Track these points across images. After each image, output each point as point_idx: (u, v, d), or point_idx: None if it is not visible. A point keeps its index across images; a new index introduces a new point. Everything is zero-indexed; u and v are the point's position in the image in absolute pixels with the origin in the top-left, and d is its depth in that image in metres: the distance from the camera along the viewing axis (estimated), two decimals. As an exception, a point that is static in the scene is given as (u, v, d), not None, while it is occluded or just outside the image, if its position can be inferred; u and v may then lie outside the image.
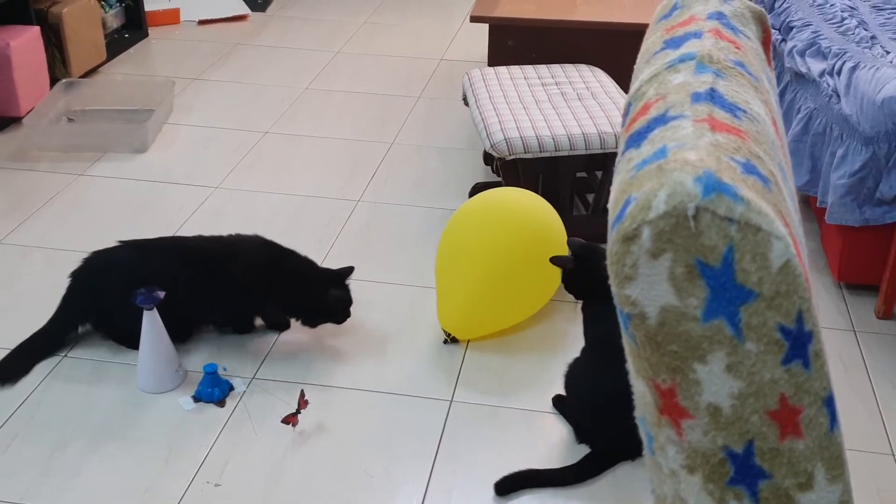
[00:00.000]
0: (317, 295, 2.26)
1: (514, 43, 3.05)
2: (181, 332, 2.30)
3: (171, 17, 4.65)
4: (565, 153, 2.53)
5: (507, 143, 2.49)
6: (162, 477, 1.93)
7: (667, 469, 0.72)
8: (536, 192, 2.74)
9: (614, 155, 2.61)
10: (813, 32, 2.68)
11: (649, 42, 0.88)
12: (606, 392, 1.83)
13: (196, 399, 2.15)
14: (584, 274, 2.00)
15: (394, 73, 4.16)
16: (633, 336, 0.67)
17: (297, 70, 4.17)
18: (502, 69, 2.96)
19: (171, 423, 2.08)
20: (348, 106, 3.81)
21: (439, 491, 1.91)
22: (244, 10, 4.81)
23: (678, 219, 0.62)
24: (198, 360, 2.28)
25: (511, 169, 2.58)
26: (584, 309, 2.06)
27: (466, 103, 2.91)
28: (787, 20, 2.89)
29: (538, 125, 2.56)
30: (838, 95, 2.41)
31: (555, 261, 2.05)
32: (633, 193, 0.65)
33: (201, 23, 4.68)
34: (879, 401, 2.16)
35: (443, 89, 3.97)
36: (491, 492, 1.90)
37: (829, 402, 0.67)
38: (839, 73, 2.44)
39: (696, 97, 0.72)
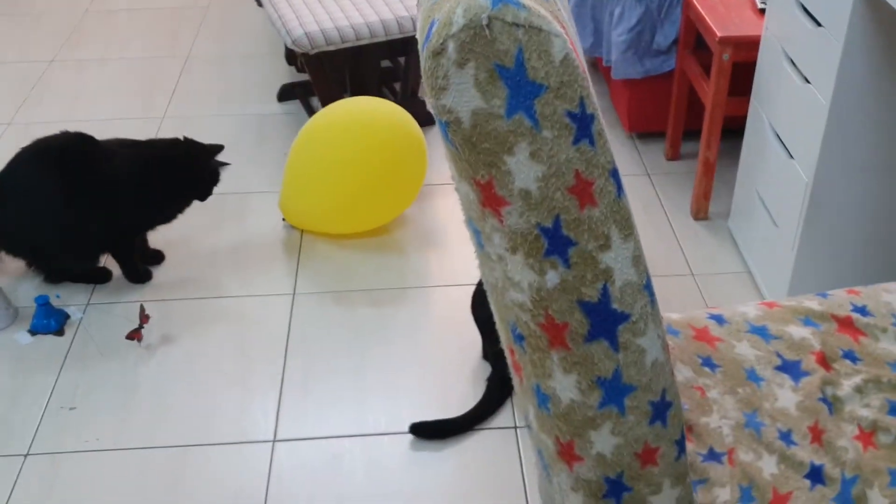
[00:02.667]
0: (203, 166, 2.22)
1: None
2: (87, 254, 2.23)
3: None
4: (366, 41, 2.59)
5: (307, 37, 2.52)
6: (14, 410, 1.91)
7: (494, 256, 0.85)
8: (344, 85, 2.80)
9: (414, 40, 2.70)
10: None
11: None
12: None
13: (32, 332, 2.12)
14: None
15: (178, -14, 4.02)
16: (452, 142, 0.78)
17: (73, -7, 3.93)
18: (291, -33, 2.95)
19: (11, 359, 2.04)
20: (134, 24, 3.66)
21: (295, 384, 1.99)
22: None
23: (475, 30, 0.74)
24: (26, 294, 2.23)
25: (316, 64, 2.62)
26: None
27: (260, 4, 2.89)
28: None
29: (335, 16, 2.60)
30: (606, -41, 2.60)
31: None
32: (435, 16, 0.76)
33: (-48, -48, 4.27)
34: (676, 231, 2.44)
35: (232, -4, 3.89)
36: (345, 380, 1.99)
37: (615, 174, 0.82)
38: (604, -62, 2.62)
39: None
